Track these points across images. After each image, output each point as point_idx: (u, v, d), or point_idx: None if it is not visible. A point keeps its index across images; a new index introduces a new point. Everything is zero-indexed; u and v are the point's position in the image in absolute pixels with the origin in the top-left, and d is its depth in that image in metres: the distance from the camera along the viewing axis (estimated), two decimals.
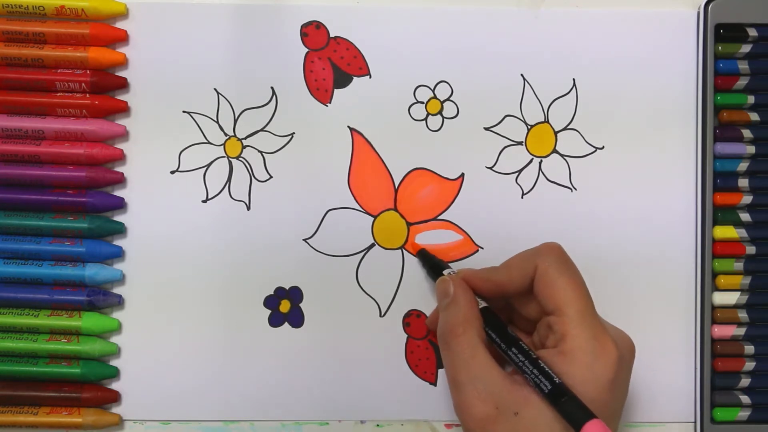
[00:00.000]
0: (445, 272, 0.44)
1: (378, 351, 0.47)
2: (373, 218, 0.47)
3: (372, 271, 0.47)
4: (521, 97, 0.47)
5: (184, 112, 0.47)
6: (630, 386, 0.41)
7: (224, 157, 0.47)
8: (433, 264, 0.45)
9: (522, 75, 0.47)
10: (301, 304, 0.47)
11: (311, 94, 0.47)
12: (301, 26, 0.47)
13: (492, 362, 0.39)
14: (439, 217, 0.47)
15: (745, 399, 0.47)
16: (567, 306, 0.39)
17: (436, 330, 0.42)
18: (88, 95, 0.46)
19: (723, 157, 0.47)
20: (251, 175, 0.47)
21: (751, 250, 0.47)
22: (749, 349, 0.47)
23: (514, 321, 0.44)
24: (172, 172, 0.47)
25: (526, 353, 0.39)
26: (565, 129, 0.48)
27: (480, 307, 0.42)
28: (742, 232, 0.47)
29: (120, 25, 0.47)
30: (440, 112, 0.47)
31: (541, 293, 0.40)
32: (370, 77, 0.47)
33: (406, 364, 0.47)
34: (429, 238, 0.47)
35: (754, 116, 0.47)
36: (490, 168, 0.47)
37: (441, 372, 0.47)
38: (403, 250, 0.47)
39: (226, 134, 0.47)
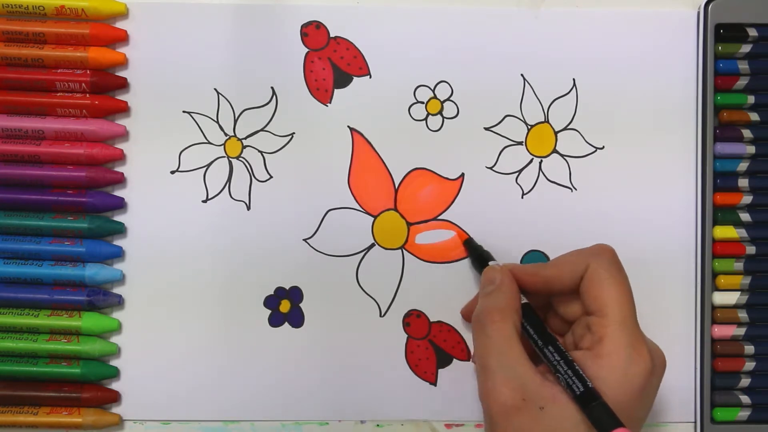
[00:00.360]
0: (491, 263, 0.44)
1: (378, 351, 0.47)
2: (373, 218, 0.47)
3: (372, 271, 0.47)
4: (521, 97, 0.47)
5: (184, 112, 0.47)
6: None
7: (224, 157, 0.47)
8: (479, 254, 0.45)
9: (522, 75, 0.47)
10: (301, 304, 0.47)
11: (311, 94, 0.47)
12: (301, 26, 0.47)
13: (525, 354, 0.39)
14: (439, 217, 0.47)
15: (745, 399, 0.47)
16: (611, 308, 0.39)
17: (471, 317, 0.42)
18: (88, 95, 0.46)
19: (723, 157, 0.47)
20: (251, 175, 0.47)
21: (751, 250, 0.47)
22: (749, 349, 0.47)
23: (548, 321, 0.44)
24: (172, 172, 0.47)
25: (562, 353, 0.39)
26: (565, 129, 0.48)
27: (524, 302, 0.42)
28: (742, 232, 0.47)
29: (120, 25, 0.47)
30: (440, 112, 0.47)
31: (588, 292, 0.40)
32: (370, 77, 0.47)
33: (406, 364, 0.47)
34: (429, 238, 0.47)
35: (754, 116, 0.47)
36: (490, 168, 0.47)
37: (441, 372, 0.47)
38: (403, 250, 0.47)
39: (226, 134, 0.47)
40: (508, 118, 0.47)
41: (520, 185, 0.47)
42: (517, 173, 0.47)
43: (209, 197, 0.47)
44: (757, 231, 0.47)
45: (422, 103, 0.47)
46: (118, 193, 0.46)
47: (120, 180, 0.46)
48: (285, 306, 0.47)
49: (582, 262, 0.41)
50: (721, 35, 0.47)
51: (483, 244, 0.47)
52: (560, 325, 0.43)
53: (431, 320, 0.47)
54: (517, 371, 0.38)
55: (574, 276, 0.41)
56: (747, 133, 0.47)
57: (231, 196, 0.47)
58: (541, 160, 0.47)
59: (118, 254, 0.46)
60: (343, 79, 0.47)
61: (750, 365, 0.47)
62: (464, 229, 0.47)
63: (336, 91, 0.47)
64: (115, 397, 0.46)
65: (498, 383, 0.38)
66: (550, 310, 0.44)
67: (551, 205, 0.47)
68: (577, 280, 0.41)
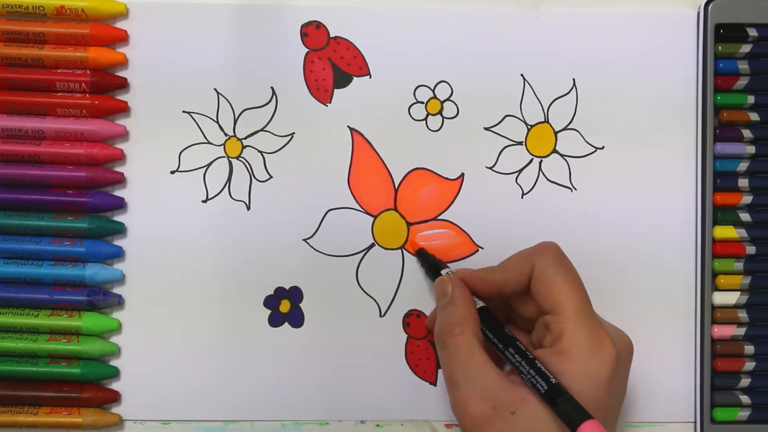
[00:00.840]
0: (443, 272, 0.44)
1: (378, 351, 0.47)
2: (373, 218, 0.47)
3: (372, 271, 0.47)
4: (521, 97, 0.47)
5: (184, 112, 0.47)
6: (630, 386, 0.41)
7: (224, 157, 0.47)
8: (431, 263, 0.45)
9: (522, 75, 0.47)
10: (301, 304, 0.47)
11: (311, 94, 0.47)
12: (301, 26, 0.47)
13: (489, 362, 0.39)
14: (439, 217, 0.47)
15: (745, 399, 0.47)
16: (564, 305, 0.39)
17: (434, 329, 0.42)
18: (88, 95, 0.46)
19: (723, 157, 0.47)
20: (251, 175, 0.47)
21: (751, 250, 0.47)
22: (749, 349, 0.47)
23: (513, 320, 0.44)
24: (172, 172, 0.47)
25: (523, 353, 0.39)
26: (565, 129, 0.48)
27: (477, 306, 0.42)
28: (742, 232, 0.47)
29: (120, 25, 0.47)
30: (440, 112, 0.47)
31: (538, 292, 0.40)
32: (370, 77, 0.47)
33: (406, 364, 0.47)
34: (429, 238, 0.47)
35: (754, 116, 0.47)
36: (490, 168, 0.47)
37: (441, 372, 0.47)
38: (403, 250, 0.47)
39: (226, 134, 0.47)
40: (508, 118, 0.47)
41: (520, 185, 0.47)
42: (517, 173, 0.47)
43: (209, 197, 0.47)
44: (757, 231, 0.47)
45: (422, 103, 0.47)
46: (118, 193, 0.46)
47: (120, 180, 0.46)
48: (285, 306, 0.47)
49: (527, 263, 0.41)
50: (721, 35, 0.47)
51: (483, 245, 0.47)
52: (525, 323, 0.43)
53: None
54: (483, 381, 0.38)
55: (522, 278, 0.41)
56: (747, 133, 0.47)
57: (231, 196, 0.47)
58: (541, 160, 0.47)
59: (118, 254, 0.46)
60: (343, 79, 0.47)
61: (750, 365, 0.47)
62: (464, 229, 0.47)
63: (336, 91, 0.47)
64: (115, 397, 0.46)
65: (466, 396, 0.38)
66: (512, 310, 0.44)
67: (551, 205, 0.47)
68: (525, 282, 0.41)
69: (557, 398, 0.37)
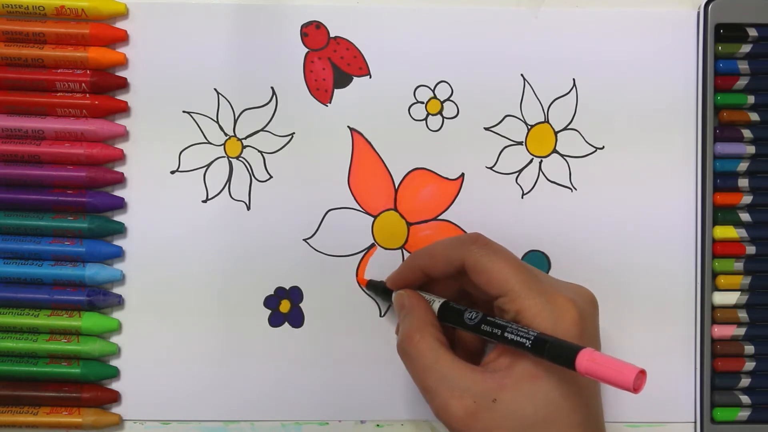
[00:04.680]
0: (395, 291, 0.44)
1: (378, 351, 0.47)
2: (373, 218, 0.47)
3: (372, 271, 0.47)
4: (521, 97, 0.47)
5: (184, 112, 0.47)
6: None
7: (224, 157, 0.47)
8: (383, 289, 0.45)
9: (522, 75, 0.47)
10: (301, 304, 0.47)
11: (311, 94, 0.47)
12: (301, 26, 0.47)
13: (456, 359, 0.39)
14: (439, 217, 0.47)
15: (745, 399, 0.47)
16: (509, 283, 0.39)
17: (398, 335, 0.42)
18: (88, 95, 0.46)
19: (723, 157, 0.47)
20: (251, 175, 0.47)
21: (751, 250, 0.47)
22: (749, 349, 0.47)
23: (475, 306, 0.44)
24: (172, 172, 0.47)
25: (497, 324, 0.38)
26: (565, 129, 0.48)
27: (440, 303, 0.42)
28: (742, 232, 0.47)
29: (120, 25, 0.47)
30: (440, 112, 0.47)
31: (481, 282, 0.40)
32: (370, 77, 0.47)
33: None
34: (429, 238, 0.47)
35: (754, 116, 0.47)
36: (490, 168, 0.47)
37: None
38: (403, 251, 0.47)
39: (226, 134, 0.47)
40: (508, 118, 0.47)
41: (520, 185, 0.47)
42: (517, 173, 0.47)
43: (209, 197, 0.47)
44: (757, 231, 0.47)
45: (422, 103, 0.47)
46: (118, 193, 0.46)
47: (120, 180, 0.46)
48: (285, 306, 0.47)
49: (456, 254, 0.40)
50: (721, 35, 0.47)
51: None
52: (486, 309, 0.42)
53: None
54: (455, 379, 0.38)
55: (448, 266, 0.41)
56: (747, 133, 0.47)
57: (231, 196, 0.47)
58: (541, 160, 0.47)
59: (118, 254, 0.46)
60: (343, 79, 0.47)
61: (750, 365, 0.47)
62: (464, 229, 0.47)
63: (336, 91, 0.47)
64: (115, 397, 0.46)
65: (444, 399, 0.38)
66: (471, 296, 0.43)
67: (551, 205, 0.47)
68: (452, 270, 0.41)
69: (544, 347, 0.36)
